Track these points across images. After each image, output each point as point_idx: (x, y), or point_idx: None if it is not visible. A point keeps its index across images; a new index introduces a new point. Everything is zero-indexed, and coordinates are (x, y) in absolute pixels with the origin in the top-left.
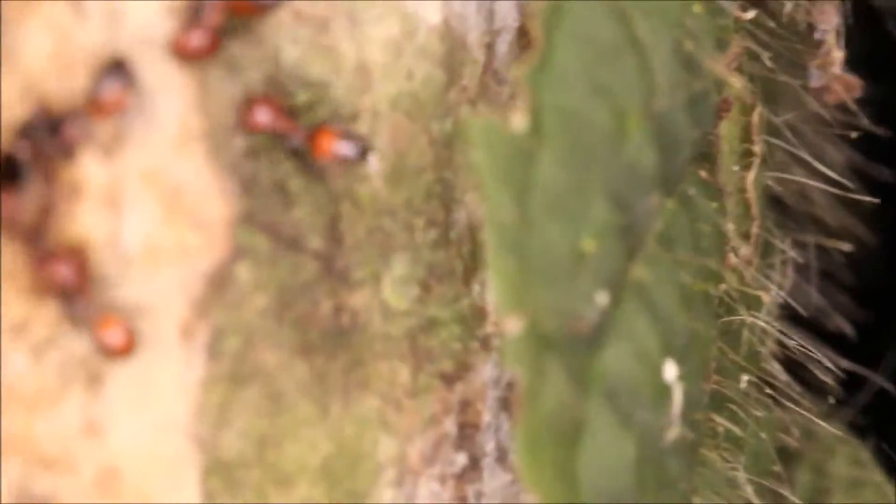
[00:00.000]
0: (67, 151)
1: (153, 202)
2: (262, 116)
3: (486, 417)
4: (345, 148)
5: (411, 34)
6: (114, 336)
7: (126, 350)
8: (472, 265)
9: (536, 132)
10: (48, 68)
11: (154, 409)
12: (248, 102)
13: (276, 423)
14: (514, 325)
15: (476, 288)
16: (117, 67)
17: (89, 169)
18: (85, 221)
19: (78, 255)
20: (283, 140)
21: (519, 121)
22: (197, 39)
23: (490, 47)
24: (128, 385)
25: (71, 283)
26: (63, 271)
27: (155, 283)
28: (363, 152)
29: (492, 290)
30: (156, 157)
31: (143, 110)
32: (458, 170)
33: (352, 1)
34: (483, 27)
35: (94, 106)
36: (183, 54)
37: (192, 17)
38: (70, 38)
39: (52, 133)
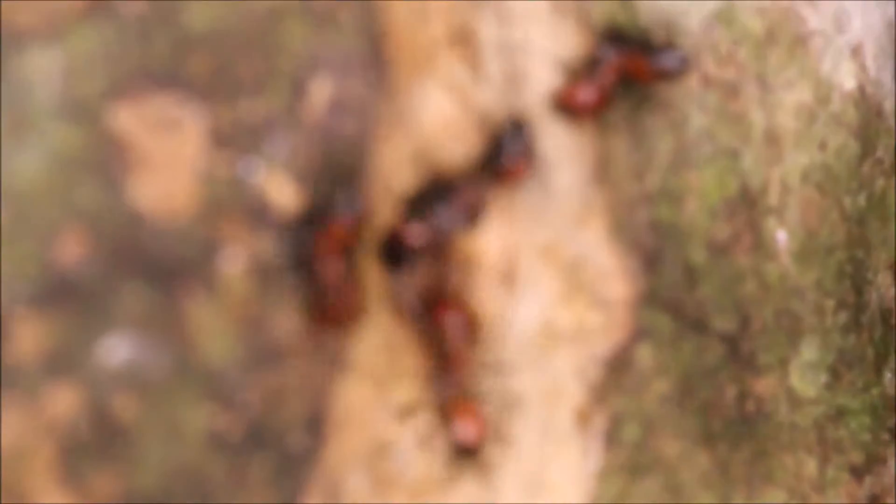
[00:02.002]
0: (466, 220)
1: (551, 279)
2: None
3: None
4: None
5: (825, 101)
6: (468, 430)
7: (475, 446)
8: (884, 351)
9: None
10: (442, 133)
11: (547, 500)
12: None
13: None
14: None
15: (887, 375)
16: (517, 131)
17: (486, 242)
18: (479, 298)
19: (467, 310)
20: None
21: None
22: (585, 94)
23: None
24: (520, 474)
25: (459, 337)
26: (454, 321)
27: (551, 366)
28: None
29: None
30: (555, 230)
31: (541, 180)
32: (870, 248)
33: (763, 64)
34: None
35: (494, 172)
36: (567, 107)
37: (587, 73)
38: (468, 100)
39: (445, 202)
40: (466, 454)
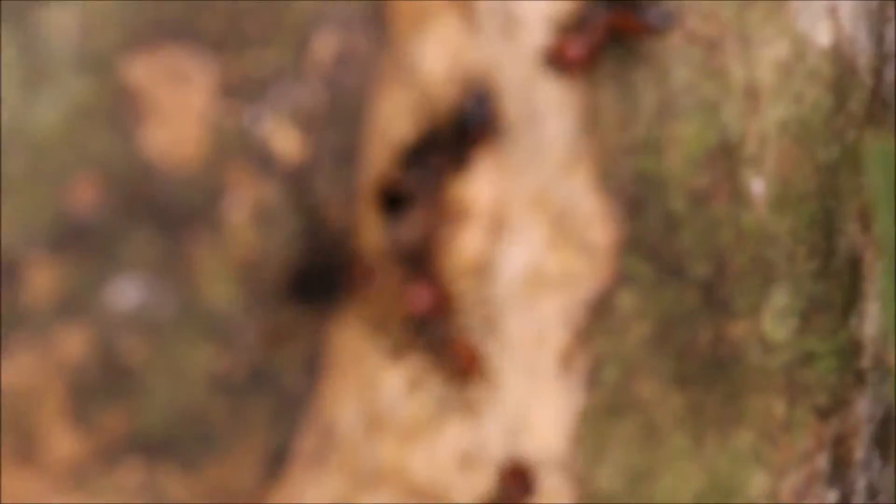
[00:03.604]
0: (459, 165)
1: (539, 226)
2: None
3: (859, 454)
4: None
5: (802, 56)
6: (469, 356)
7: (471, 372)
8: (851, 297)
9: None
10: (439, 87)
11: (530, 439)
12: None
13: (651, 457)
14: None
15: (854, 320)
16: (480, 103)
17: (478, 190)
18: (470, 246)
19: (437, 284)
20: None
21: None
22: (575, 49)
23: (878, 72)
24: (505, 414)
25: (429, 312)
26: (423, 299)
27: (537, 310)
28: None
29: (883, 320)
30: (543, 179)
31: (532, 130)
32: (841, 198)
33: (743, 22)
34: (873, 51)
35: (460, 140)
36: (557, 62)
37: (576, 28)
38: (464, 55)
39: (440, 151)
40: (465, 378)
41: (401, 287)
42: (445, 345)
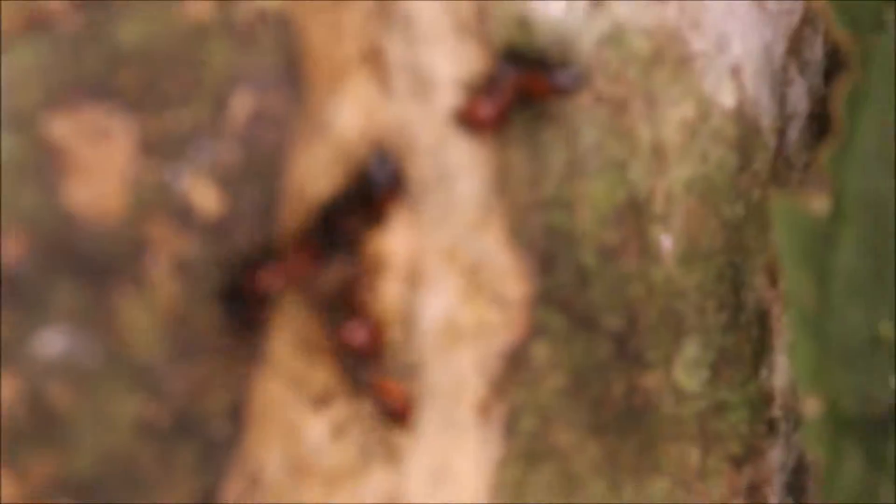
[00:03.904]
0: (379, 219)
1: (454, 279)
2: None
3: (773, 501)
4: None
5: (706, 117)
6: (399, 399)
7: (404, 416)
8: (760, 349)
9: (837, 216)
10: (357, 143)
11: (451, 487)
12: None
13: (569, 502)
14: (812, 407)
15: (764, 372)
16: (383, 162)
17: (394, 244)
18: (387, 295)
19: (371, 322)
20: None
21: (820, 204)
22: (486, 110)
23: (782, 133)
24: (426, 462)
25: (365, 348)
26: (359, 335)
27: (453, 361)
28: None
29: (791, 372)
30: (457, 234)
31: (445, 188)
32: (748, 254)
33: (650, 82)
34: (775, 112)
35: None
36: (468, 122)
37: (486, 90)
38: (376, 114)
39: (353, 206)
40: (397, 421)
41: (329, 328)
42: (377, 385)
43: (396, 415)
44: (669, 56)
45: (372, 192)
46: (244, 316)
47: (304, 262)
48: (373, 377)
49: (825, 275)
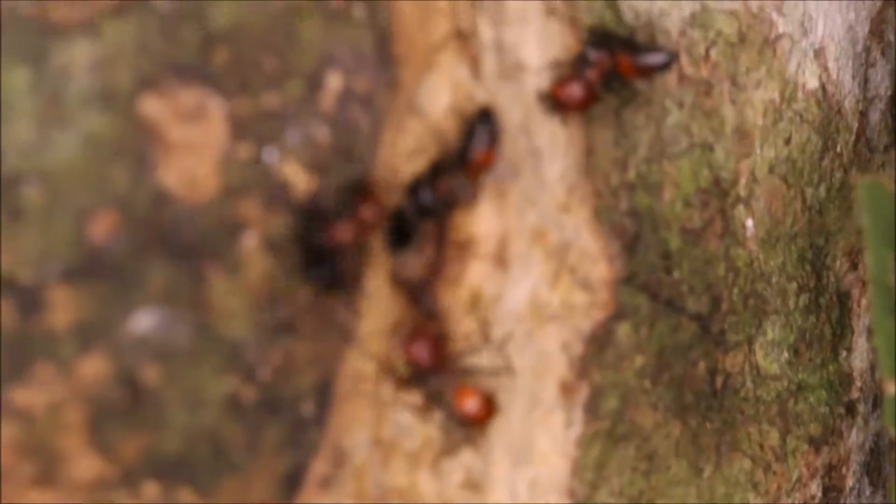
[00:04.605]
0: (446, 206)
1: (540, 261)
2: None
3: (850, 482)
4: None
5: (790, 99)
6: (472, 405)
7: (485, 418)
8: (840, 331)
9: None
10: (444, 125)
11: (534, 467)
12: None
13: (650, 482)
14: (892, 388)
15: (843, 354)
16: (485, 123)
17: (481, 226)
18: (474, 279)
19: (433, 335)
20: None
21: None
22: (574, 91)
23: (863, 115)
24: (510, 442)
25: (425, 364)
26: (423, 353)
27: (538, 342)
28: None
29: (872, 353)
30: (543, 216)
31: (532, 169)
32: (829, 236)
33: (735, 64)
34: (858, 94)
35: (464, 163)
36: (556, 103)
37: (575, 71)
38: (467, 95)
39: (434, 188)
40: (475, 426)
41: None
42: (452, 393)
43: (473, 420)
44: (754, 38)
45: (469, 150)
46: (327, 276)
47: (373, 211)
48: (444, 387)
49: None
